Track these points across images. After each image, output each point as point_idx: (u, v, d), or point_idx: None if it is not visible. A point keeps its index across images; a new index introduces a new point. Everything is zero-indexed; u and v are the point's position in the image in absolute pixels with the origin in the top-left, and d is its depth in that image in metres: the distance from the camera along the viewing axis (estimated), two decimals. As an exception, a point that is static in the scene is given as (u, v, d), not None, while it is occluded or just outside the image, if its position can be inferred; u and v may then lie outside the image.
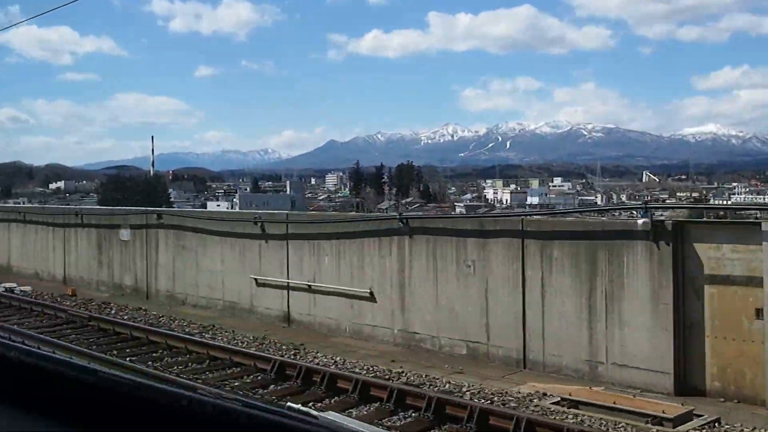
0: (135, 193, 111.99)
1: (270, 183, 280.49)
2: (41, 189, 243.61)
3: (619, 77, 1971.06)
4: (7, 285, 27.81)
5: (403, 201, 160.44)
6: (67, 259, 30.77)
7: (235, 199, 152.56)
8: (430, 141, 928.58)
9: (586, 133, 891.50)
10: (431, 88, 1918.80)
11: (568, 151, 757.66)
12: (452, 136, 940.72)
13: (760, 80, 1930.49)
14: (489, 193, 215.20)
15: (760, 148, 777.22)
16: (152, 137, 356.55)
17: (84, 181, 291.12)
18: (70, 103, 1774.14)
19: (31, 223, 33.64)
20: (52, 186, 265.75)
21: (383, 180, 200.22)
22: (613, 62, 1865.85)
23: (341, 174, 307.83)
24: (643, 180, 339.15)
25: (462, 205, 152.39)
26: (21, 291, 27.05)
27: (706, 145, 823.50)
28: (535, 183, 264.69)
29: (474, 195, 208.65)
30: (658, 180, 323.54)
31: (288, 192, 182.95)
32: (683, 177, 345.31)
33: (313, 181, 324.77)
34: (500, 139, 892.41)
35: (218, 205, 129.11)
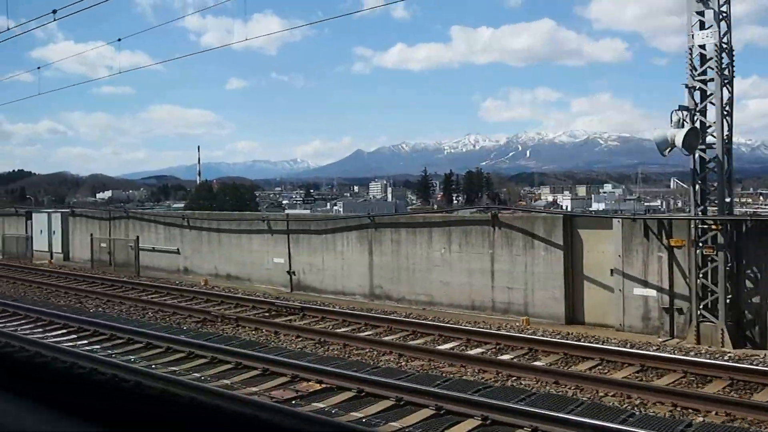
0: (223, 202, 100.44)
1: (311, 191, 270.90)
2: (93, 199, 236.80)
3: (633, 88, 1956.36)
4: None
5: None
6: None
7: (336, 207, 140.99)
8: (453, 150, 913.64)
9: (602, 141, 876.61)
10: (453, 99, 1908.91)
11: (585, 160, 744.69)
12: (474, 146, 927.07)
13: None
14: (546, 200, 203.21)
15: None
16: (198, 147, 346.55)
17: (131, 191, 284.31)
18: (106, 115, 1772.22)
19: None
20: (100, 195, 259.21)
21: (452, 187, 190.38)
22: (628, 73, 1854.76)
23: (385, 182, 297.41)
24: (671, 186, 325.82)
25: (544, 211, 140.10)
26: None
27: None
28: (582, 190, 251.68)
29: (550, 201, 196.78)
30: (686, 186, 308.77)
31: (390, 199, 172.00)
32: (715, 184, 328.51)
33: (356, 188, 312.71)
34: (520, 148, 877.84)
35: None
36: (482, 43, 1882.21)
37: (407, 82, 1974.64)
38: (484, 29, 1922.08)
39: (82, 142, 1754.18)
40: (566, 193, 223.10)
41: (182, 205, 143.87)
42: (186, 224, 34.47)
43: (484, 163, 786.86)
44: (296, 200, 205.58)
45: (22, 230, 44.94)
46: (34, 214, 45.46)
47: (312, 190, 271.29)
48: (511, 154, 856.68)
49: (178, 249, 34.59)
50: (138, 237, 35.47)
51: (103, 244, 38.08)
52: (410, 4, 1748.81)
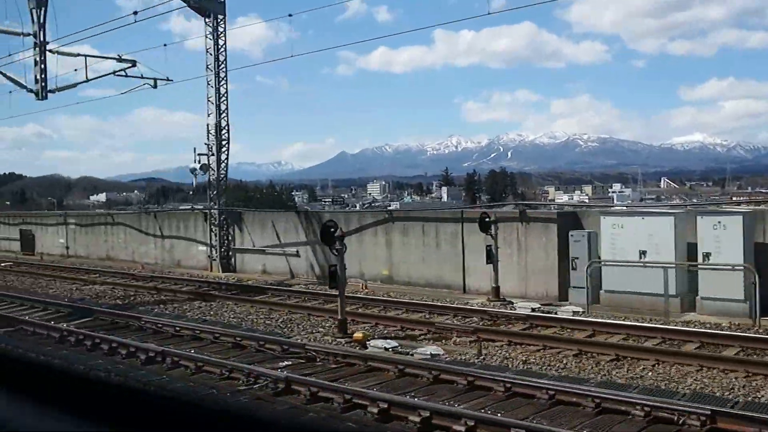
0: (261, 203, 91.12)
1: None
2: (88, 201, 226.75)
3: (612, 89, 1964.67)
4: None
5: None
6: None
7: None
8: (435, 152, 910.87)
9: (581, 143, 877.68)
10: (435, 101, 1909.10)
11: (565, 160, 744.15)
12: (456, 147, 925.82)
13: (744, 91, 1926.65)
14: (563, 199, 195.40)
15: (744, 156, 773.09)
16: (194, 149, 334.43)
17: (125, 193, 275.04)
18: (91, 118, 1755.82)
19: None
20: (94, 198, 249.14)
21: (476, 186, 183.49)
22: (607, 75, 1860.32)
23: (384, 183, 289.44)
24: (662, 186, 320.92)
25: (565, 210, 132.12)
26: None
27: (694, 153, 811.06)
28: (588, 189, 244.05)
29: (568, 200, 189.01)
30: (689, 187, 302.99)
31: (446, 198, 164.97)
32: (709, 183, 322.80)
33: (353, 190, 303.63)
34: (501, 149, 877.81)
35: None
36: (464, 45, 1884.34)
37: (390, 85, 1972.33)
38: (465, 32, 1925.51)
39: (68, 145, 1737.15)
40: (578, 192, 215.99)
41: (189, 207, 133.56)
42: None
43: (466, 164, 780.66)
44: (325, 202, 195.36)
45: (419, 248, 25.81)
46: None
47: (302, 192, 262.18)
48: (492, 155, 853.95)
49: None
50: None
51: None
52: (393, 7, 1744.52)
